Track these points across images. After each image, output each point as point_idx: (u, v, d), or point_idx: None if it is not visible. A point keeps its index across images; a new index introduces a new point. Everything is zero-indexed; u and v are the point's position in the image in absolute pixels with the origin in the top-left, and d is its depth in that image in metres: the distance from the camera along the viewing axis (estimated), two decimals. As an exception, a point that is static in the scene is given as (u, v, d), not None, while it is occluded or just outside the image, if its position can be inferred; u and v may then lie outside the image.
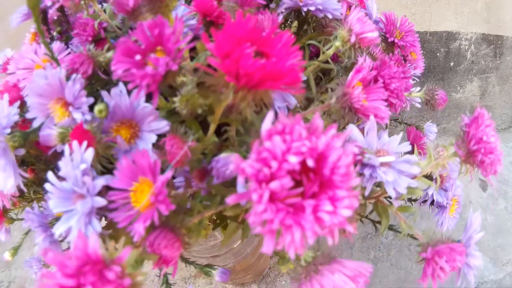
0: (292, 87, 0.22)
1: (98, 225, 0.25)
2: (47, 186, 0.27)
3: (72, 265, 0.19)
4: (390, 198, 0.36)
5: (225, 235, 0.35)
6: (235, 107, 0.26)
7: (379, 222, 0.51)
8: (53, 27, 0.44)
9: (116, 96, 0.28)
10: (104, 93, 0.28)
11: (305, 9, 0.38)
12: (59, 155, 0.32)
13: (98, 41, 0.40)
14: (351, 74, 0.33)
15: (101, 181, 0.25)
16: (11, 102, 0.32)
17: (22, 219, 0.62)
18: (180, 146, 0.26)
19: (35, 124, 0.32)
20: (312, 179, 0.19)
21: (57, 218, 0.38)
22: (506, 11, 0.95)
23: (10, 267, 1.28)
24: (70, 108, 0.29)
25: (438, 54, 1.00)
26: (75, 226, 0.25)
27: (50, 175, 0.28)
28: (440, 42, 0.97)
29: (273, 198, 0.18)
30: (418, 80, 0.55)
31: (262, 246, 0.18)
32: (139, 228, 0.23)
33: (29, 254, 1.29)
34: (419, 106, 0.54)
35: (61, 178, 0.28)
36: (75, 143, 0.26)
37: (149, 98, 0.27)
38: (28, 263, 0.69)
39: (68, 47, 0.39)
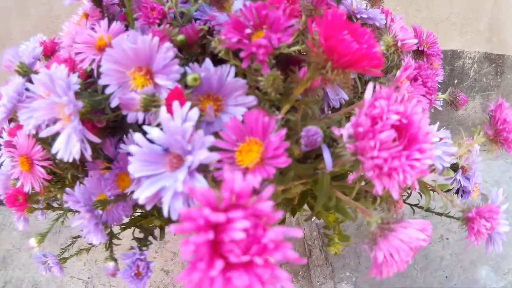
0: (375, 69, 0.26)
1: (204, 180, 0.24)
2: (132, 148, 0.25)
3: (224, 199, 0.18)
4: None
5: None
6: (312, 89, 0.31)
7: (416, 205, 0.57)
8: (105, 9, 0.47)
9: (207, 69, 0.29)
10: (194, 65, 0.30)
11: (358, 16, 0.45)
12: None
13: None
14: (400, 70, 0.39)
15: (210, 138, 0.24)
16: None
17: (43, 209, 0.61)
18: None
19: (108, 91, 0.32)
20: (404, 135, 0.24)
21: (101, 201, 0.39)
22: (507, 30, 1.03)
23: (7, 267, 1.26)
24: (158, 76, 0.28)
25: (443, 71, 1.07)
26: (175, 185, 0.24)
27: (138, 136, 0.26)
28: (446, 60, 1.04)
29: (380, 148, 0.23)
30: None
31: (374, 189, 0.23)
32: (254, 182, 0.22)
33: (27, 254, 1.28)
34: (440, 109, 0.61)
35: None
36: (176, 103, 0.25)
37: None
38: (38, 259, 0.69)
39: (127, 29, 0.39)
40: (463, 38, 1.06)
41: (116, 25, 0.37)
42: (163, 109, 0.25)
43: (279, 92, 0.31)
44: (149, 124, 0.30)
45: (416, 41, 0.45)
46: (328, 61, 0.26)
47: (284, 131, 0.26)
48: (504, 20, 1.05)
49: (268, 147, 0.26)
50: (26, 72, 0.38)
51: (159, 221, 0.46)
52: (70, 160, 0.29)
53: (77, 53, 0.36)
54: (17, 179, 0.42)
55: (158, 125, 0.27)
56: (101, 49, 0.35)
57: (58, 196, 0.52)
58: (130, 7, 0.36)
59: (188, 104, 0.25)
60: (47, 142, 0.37)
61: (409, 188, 0.44)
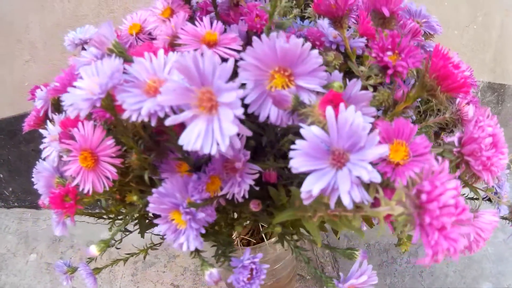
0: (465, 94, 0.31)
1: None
2: (298, 143, 0.24)
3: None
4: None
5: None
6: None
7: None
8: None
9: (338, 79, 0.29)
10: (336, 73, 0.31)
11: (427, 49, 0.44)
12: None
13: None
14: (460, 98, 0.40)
15: (377, 136, 0.23)
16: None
17: (89, 214, 0.52)
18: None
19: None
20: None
21: (192, 204, 0.33)
22: (509, 61, 1.05)
23: (1, 272, 1.11)
24: (302, 79, 0.28)
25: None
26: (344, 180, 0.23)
27: (307, 131, 0.24)
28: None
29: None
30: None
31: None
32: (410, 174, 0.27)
33: (23, 260, 1.13)
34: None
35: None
36: (342, 104, 0.24)
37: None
38: (60, 268, 0.58)
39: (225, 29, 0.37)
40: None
41: (219, 23, 0.35)
42: (329, 109, 0.24)
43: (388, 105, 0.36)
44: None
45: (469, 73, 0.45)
46: (438, 86, 0.31)
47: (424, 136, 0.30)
48: (507, 51, 1.06)
49: (413, 147, 0.30)
50: (121, 53, 0.31)
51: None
52: (213, 153, 0.23)
53: (182, 44, 0.33)
54: (72, 177, 0.34)
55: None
56: (210, 44, 0.33)
57: (103, 201, 0.43)
58: (216, 10, 0.38)
59: (352, 106, 0.24)
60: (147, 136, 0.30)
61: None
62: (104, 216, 0.46)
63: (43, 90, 0.43)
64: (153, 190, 0.31)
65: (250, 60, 0.27)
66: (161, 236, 0.51)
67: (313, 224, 0.32)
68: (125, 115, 0.25)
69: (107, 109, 0.27)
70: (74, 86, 0.29)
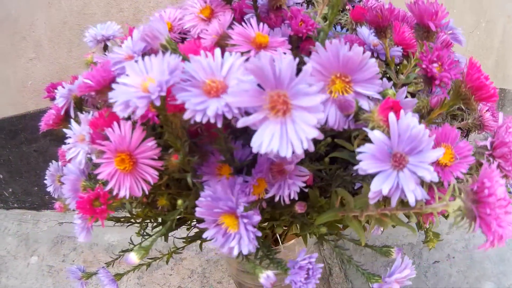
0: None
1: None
2: (366, 147, 0.25)
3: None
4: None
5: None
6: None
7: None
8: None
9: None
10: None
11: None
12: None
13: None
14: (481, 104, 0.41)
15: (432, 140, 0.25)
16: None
17: (120, 220, 0.47)
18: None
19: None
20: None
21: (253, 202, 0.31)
22: (510, 66, 1.05)
23: (0, 275, 1.05)
24: (360, 86, 0.28)
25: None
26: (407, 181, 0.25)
27: (375, 135, 0.25)
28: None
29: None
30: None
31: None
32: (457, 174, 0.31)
33: (24, 263, 1.07)
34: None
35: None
36: (403, 111, 0.26)
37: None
38: (74, 274, 0.54)
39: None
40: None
41: (265, 26, 0.34)
42: (391, 115, 0.26)
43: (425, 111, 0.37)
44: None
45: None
46: (472, 95, 0.33)
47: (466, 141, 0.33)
48: (509, 57, 1.06)
49: (457, 150, 0.33)
50: (175, 50, 0.28)
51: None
52: (288, 155, 0.22)
53: (232, 45, 0.32)
54: (105, 180, 0.31)
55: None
56: (260, 46, 0.32)
57: (127, 205, 0.40)
58: (257, 11, 0.36)
59: (410, 113, 0.26)
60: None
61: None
62: (132, 220, 0.42)
63: (65, 88, 0.40)
64: (203, 194, 0.28)
65: (314, 65, 0.27)
66: (185, 240, 0.48)
67: (357, 223, 0.33)
68: (187, 115, 0.22)
69: (160, 108, 0.24)
70: (117, 83, 0.26)
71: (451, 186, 0.27)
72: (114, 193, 0.31)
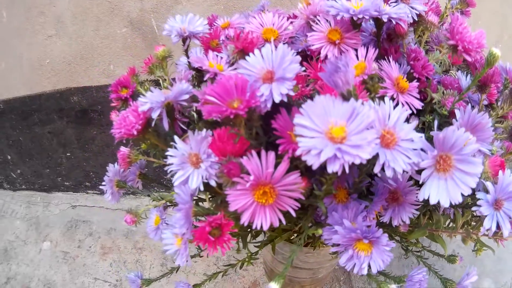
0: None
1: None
2: (481, 195, 0.30)
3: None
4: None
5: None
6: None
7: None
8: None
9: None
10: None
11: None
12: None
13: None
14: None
15: None
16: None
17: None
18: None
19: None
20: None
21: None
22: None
23: (10, 261, 0.98)
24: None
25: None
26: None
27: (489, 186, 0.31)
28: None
29: None
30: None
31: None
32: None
33: (36, 248, 1.01)
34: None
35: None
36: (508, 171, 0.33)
37: None
38: (134, 284, 0.47)
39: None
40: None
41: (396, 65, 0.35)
42: (500, 173, 0.33)
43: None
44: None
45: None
46: None
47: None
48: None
49: None
50: (356, 96, 0.25)
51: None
52: (446, 205, 0.27)
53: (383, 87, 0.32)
54: (236, 210, 0.28)
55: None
56: (402, 91, 0.34)
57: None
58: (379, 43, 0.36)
59: (509, 171, 0.33)
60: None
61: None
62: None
63: (156, 93, 0.34)
64: (333, 222, 0.31)
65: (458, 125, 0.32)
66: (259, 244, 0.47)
67: (442, 239, 0.43)
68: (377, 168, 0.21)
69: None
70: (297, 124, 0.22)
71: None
72: (251, 224, 0.28)
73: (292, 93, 0.26)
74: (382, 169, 0.25)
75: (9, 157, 1.06)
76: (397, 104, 0.30)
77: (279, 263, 0.69)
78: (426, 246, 0.53)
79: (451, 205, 0.40)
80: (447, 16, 0.53)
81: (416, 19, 0.40)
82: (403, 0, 0.42)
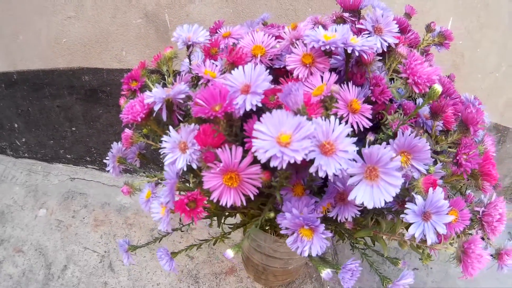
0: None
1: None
2: (411, 206, 0.39)
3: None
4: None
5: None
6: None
7: None
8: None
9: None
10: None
11: None
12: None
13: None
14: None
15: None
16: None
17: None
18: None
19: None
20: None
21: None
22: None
23: (5, 224, 1.09)
24: (416, 162, 0.41)
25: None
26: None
27: (419, 200, 0.39)
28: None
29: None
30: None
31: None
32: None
33: (32, 214, 1.11)
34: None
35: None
36: (438, 188, 0.39)
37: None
38: (122, 247, 0.58)
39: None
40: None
41: (356, 89, 0.42)
42: (431, 189, 0.40)
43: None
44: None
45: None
46: (480, 176, 0.47)
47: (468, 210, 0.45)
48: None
49: (461, 214, 0.45)
50: (305, 113, 0.34)
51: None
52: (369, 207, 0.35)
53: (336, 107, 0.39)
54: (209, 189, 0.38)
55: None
56: (354, 112, 0.42)
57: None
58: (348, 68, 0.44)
59: (440, 189, 0.40)
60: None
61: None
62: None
63: (160, 91, 0.44)
64: (286, 209, 0.39)
65: (394, 146, 0.40)
66: (232, 226, 0.58)
67: (384, 241, 0.50)
68: (312, 170, 0.30)
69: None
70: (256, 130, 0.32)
71: (451, 236, 0.44)
72: (219, 201, 0.37)
73: (260, 105, 0.36)
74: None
75: (16, 125, 1.17)
76: (346, 122, 0.40)
77: (255, 251, 0.79)
78: (371, 245, 0.61)
79: (390, 211, 0.49)
80: (423, 47, 0.62)
81: (386, 50, 0.49)
82: (376, 32, 0.51)
